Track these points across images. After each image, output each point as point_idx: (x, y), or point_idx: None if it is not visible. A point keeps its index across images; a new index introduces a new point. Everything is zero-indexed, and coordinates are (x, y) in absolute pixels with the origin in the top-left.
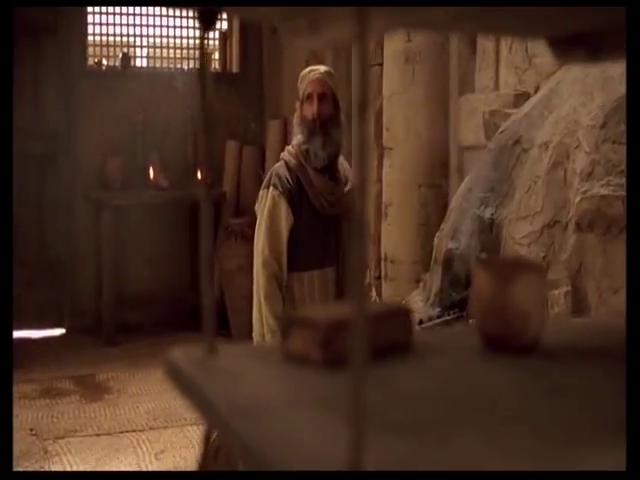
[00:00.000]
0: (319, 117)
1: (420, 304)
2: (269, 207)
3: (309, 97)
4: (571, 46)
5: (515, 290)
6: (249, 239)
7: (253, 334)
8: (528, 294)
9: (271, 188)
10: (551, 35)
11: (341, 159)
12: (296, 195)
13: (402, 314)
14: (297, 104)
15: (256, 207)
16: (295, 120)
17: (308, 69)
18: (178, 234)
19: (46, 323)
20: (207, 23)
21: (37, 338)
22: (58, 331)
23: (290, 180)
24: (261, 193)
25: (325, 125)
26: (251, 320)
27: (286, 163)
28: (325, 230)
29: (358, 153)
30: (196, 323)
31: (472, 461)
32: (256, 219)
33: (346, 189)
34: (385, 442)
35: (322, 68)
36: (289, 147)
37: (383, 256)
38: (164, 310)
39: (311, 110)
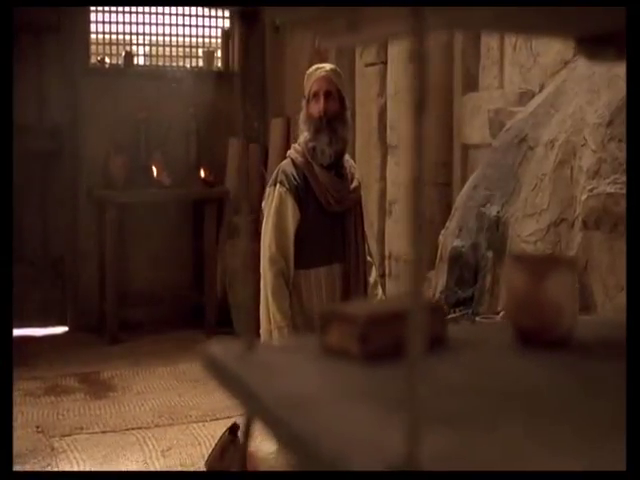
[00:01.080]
0: (325, 114)
1: None
2: (276, 204)
3: (315, 95)
4: (600, 46)
5: (548, 285)
6: (252, 237)
7: (260, 331)
8: (561, 289)
9: (278, 185)
10: (581, 34)
11: (346, 156)
12: (303, 192)
13: (436, 310)
14: (303, 102)
15: (263, 204)
16: (301, 118)
17: (314, 67)
18: (181, 232)
19: (49, 321)
20: (248, 23)
21: (40, 336)
22: (61, 329)
23: (297, 177)
24: (268, 190)
25: (331, 122)
26: (255, 318)
27: (293, 160)
28: (331, 227)
29: (415, 151)
30: (199, 321)
31: (522, 454)
32: (259, 217)
33: (352, 186)
34: (434, 433)
35: (328, 66)
36: (295, 145)
37: (387, 254)
38: (167, 308)
39: (317, 108)
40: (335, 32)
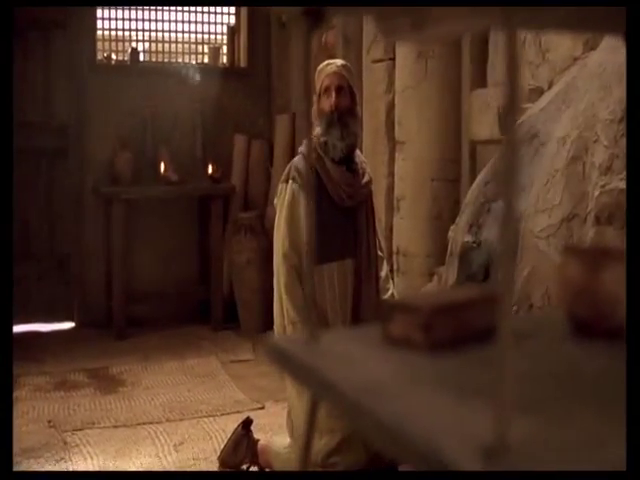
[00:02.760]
0: (337, 109)
1: None
2: (289, 200)
3: (327, 90)
4: None
5: (605, 275)
6: (258, 233)
7: (274, 326)
8: (617, 279)
9: (290, 182)
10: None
11: (357, 151)
12: (315, 188)
13: (493, 300)
14: (314, 98)
15: (275, 201)
16: (312, 113)
17: (325, 63)
18: (187, 228)
19: (56, 317)
20: (313, 23)
21: (47, 332)
22: (68, 325)
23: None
24: (280, 187)
25: (343, 117)
26: (260, 313)
27: (304, 156)
28: (344, 222)
29: (506, 152)
30: (205, 317)
31: (604, 439)
32: (264, 213)
33: (363, 181)
34: (514, 418)
35: (339, 62)
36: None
37: (395, 249)
38: (173, 304)
39: (329, 103)
40: (398, 31)
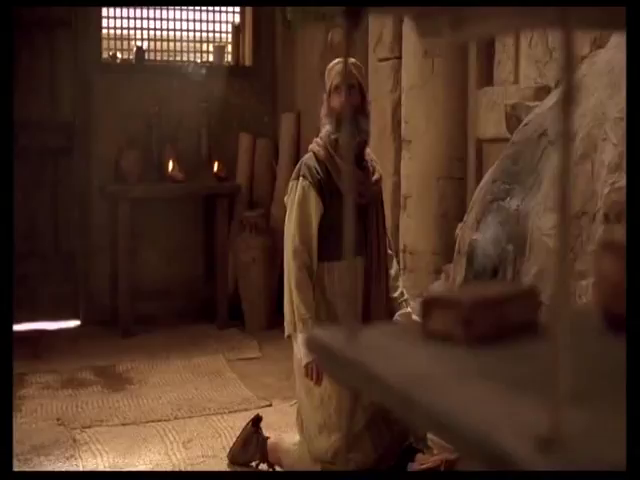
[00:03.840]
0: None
1: None
2: (299, 197)
3: (337, 88)
4: None
5: None
6: (263, 231)
7: (284, 323)
8: None
9: (301, 179)
10: None
11: (368, 149)
12: (325, 185)
13: (531, 295)
14: (324, 96)
15: (286, 198)
16: (323, 112)
17: (335, 61)
18: (193, 227)
19: (61, 315)
20: (352, 23)
21: (53, 330)
22: (73, 323)
23: (319, 171)
24: (291, 184)
25: (353, 115)
26: (265, 311)
27: (315, 154)
28: (354, 220)
29: (561, 146)
30: (210, 315)
31: None
32: (269, 211)
33: (374, 178)
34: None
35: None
36: (317, 139)
37: (402, 247)
38: (178, 302)
39: (339, 101)
40: (437, 30)
